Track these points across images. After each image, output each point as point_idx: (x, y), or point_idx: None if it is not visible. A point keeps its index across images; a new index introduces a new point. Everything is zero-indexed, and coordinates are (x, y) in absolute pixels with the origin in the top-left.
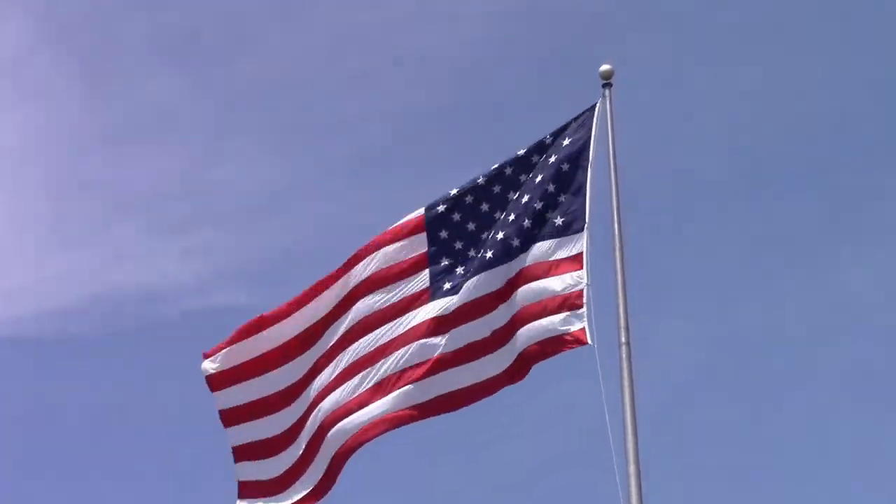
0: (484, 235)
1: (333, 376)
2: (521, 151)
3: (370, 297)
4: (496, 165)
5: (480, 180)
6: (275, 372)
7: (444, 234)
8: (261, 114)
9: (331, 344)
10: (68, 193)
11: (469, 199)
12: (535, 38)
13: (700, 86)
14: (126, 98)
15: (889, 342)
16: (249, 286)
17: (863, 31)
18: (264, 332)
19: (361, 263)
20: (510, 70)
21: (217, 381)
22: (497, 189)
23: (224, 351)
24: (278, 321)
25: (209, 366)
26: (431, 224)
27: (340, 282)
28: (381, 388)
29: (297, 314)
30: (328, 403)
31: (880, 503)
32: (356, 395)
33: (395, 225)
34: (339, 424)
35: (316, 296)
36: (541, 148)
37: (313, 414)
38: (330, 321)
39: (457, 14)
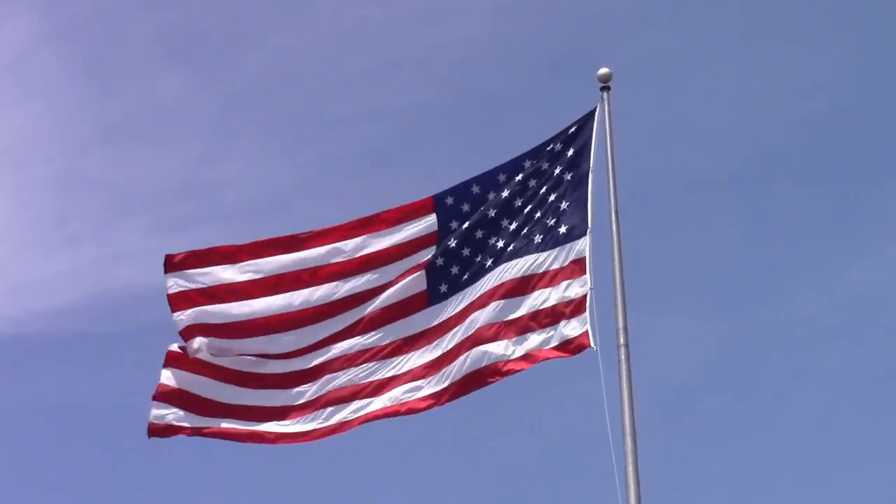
0: (489, 242)
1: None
2: (526, 157)
3: (368, 273)
4: (503, 165)
5: (489, 177)
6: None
7: (451, 241)
8: (264, 112)
9: (322, 303)
10: (72, 191)
11: (475, 188)
12: (537, 36)
13: (701, 84)
14: (130, 96)
15: (894, 341)
16: None
17: (864, 29)
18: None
19: (361, 238)
20: (513, 68)
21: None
22: (505, 194)
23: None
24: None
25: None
26: (441, 210)
27: (332, 246)
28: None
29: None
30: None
31: (885, 503)
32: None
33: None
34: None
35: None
36: (543, 153)
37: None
38: (320, 280)
39: (459, 12)
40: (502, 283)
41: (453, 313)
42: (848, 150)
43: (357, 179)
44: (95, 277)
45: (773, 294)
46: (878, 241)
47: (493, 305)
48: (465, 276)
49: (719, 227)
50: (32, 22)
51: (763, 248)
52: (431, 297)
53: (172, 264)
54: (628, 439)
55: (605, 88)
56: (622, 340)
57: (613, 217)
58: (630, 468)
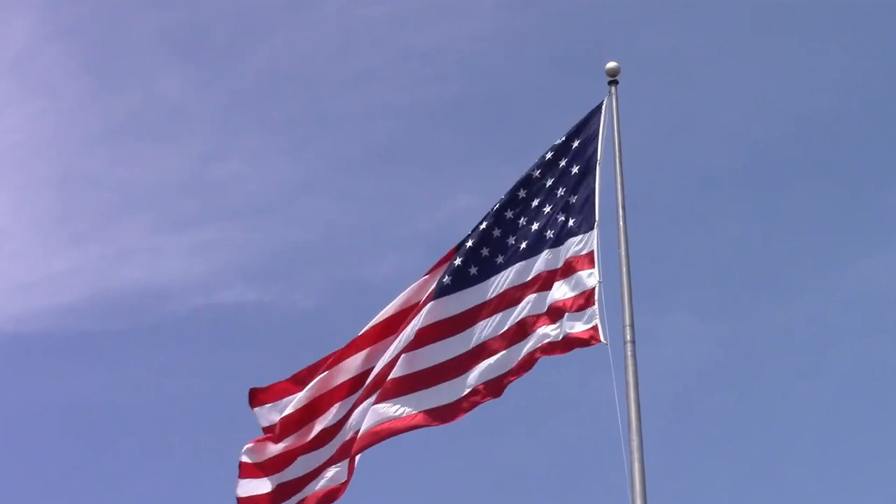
0: (503, 240)
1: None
2: (542, 155)
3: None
4: (523, 175)
5: (506, 194)
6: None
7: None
8: (268, 110)
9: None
10: (76, 190)
11: (497, 205)
12: (543, 33)
13: (710, 81)
14: (134, 94)
15: None
16: (258, 282)
17: (872, 28)
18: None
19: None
20: (518, 65)
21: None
22: (522, 194)
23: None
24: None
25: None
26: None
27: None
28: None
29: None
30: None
31: (891, 503)
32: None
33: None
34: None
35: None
36: (555, 150)
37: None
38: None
39: (464, 9)
40: (515, 285)
41: (468, 309)
42: (856, 149)
43: (362, 177)
44: (99, 276)
45: (780, 293)
46: (886, 239)
47: (506, 308)
48: (478, 273)
49: (725, 225)
50: (35, 21)
51: (770, 246)
52: (437, 291)
53: (257, 398)
54: (635, 435)
55: (613, 82)
56: (629, 336)
57: (621, 211)
58: (636, 465)
